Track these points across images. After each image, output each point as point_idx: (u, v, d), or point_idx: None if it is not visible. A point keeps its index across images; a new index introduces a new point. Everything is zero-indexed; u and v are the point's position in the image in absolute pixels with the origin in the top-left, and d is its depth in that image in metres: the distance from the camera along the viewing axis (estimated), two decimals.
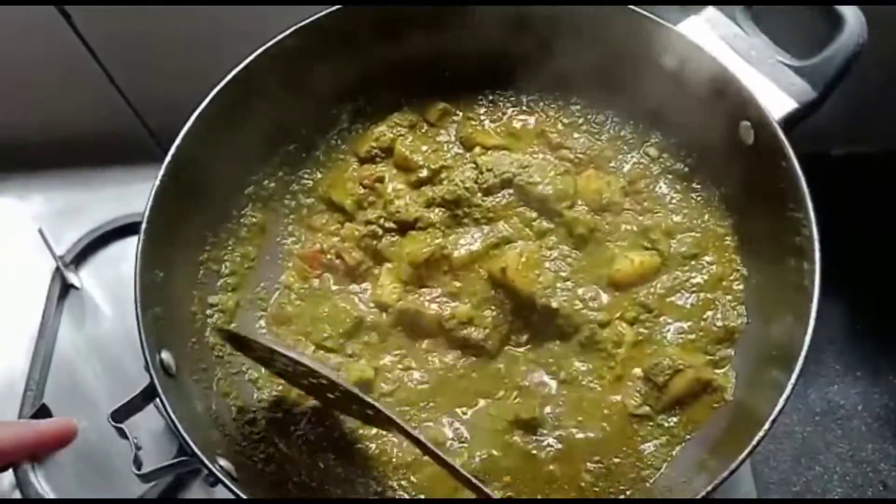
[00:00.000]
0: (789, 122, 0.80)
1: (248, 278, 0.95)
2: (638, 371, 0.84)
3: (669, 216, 0.92)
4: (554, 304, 0.85)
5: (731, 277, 0.88)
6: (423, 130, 0.99)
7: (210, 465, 0.70)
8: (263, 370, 0.88)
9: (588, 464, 0.81)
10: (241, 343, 0.81)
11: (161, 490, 0.94)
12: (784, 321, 0.78)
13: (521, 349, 0.87)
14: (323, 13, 0.89)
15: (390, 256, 0.92)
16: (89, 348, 1.07)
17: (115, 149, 1.17)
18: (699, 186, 0.93)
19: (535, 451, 0.82)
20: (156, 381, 0.73)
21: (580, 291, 0.88)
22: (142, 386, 0.75)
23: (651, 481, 0.80)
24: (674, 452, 0.81)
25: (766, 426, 0.67)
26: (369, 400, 0.73)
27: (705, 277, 0.88)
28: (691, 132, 0.92)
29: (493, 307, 0.87)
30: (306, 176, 0.99)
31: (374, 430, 0.85)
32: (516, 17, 0.94)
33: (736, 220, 0.90)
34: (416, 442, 0.71)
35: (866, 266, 1.19)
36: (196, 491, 0.96)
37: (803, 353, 0.69)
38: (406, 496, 0.82)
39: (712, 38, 0.84)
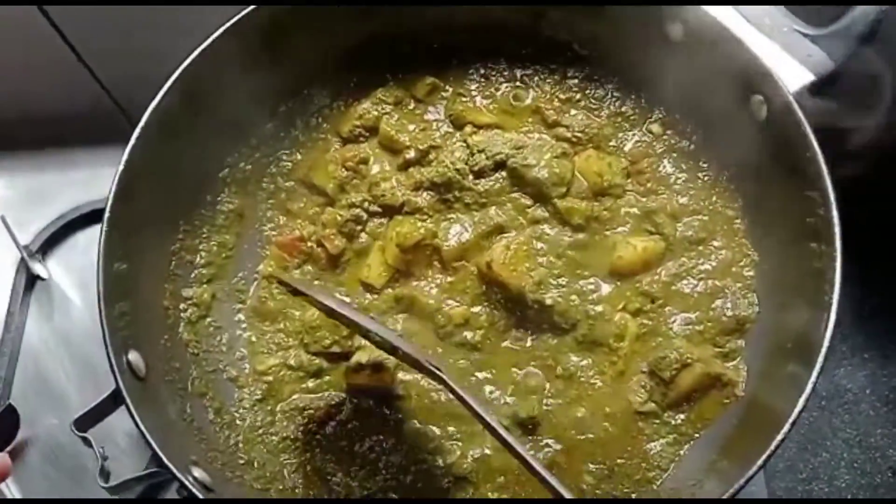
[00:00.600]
0: (805, 96, 0.75)
1: (226, 269, 0.90)
2: (643, 366, 0.80)
3: (675, 198, 0.87)
4: (548, 301, 0.81)
5: (741, 263, 0.83)
6: (410, 107, 0.94)
7: (182, 478, 0.65)
8: (246, 367, 0.85)
9: (590, 465, 0.78)
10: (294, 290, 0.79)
11: (138, 494, 0.89)
12: (799, 310, 0.73)
13: (518, 345, 0.83)
14: None
15: (377, 238, 0.88)
16: (58, 343, 1.02)
17: (84, 128, 1.11)
18: (706, 165, 0.88)
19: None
20: (122, 386, 0.69)
21: (578, 284, 0.84)
22: (111, 385, 0.71)
23: (658, 483, 0.77)
24: (681, 452, 0.78)
25: (786, 428, 0.63)
26: (429, 366, 0.69)
27: (713, 263, 0.84)
28: (698, 107, 0.86)
29: (486, 304, 0.83)
30: (285, 157, 0.93)
31: (362, 427, 0.82)
32: None
33: (746, 202, 0.85)
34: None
35: (875, 246, 1.15)
36: (173, 494, 0.91)
37: (825, 347, 0.66)
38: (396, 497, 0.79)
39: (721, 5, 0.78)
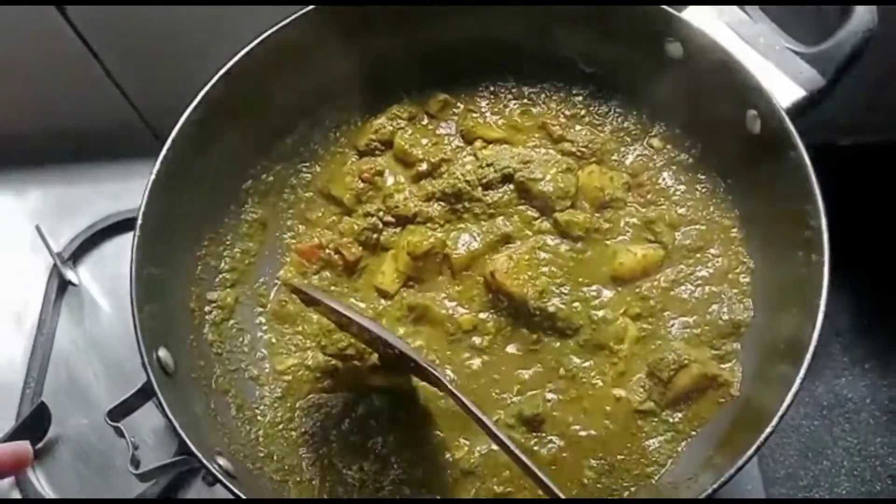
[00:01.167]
0: (797, 111, 0.78)
1: (248, 274, 0.93)
2: (642, 366, 0.83)
3: (674, 208, 0.90)
4: (551, 309, 0.84)
5: (738, 270, 0.86)
6: (424, 123, 0.98)
7: (208, 464, 0.69)
8: (267, 367, 0.88)
9: (591, 460, 0.80)
10: (308, 298, 0.82)
11: (161, 488, 0.94)
12: (791, 314, 0.76)
13: (523, 348, 0.86)
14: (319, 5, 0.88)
15: (391, 246, 0.91)
16: (88, 345, 1.06)
17: (113, 143, 1.15)
18: (704, 177, 0.91)
19: (536, 447, 0.81)
20: (152, 380, 0.72)
21: (580, 291, 0.86)
22: (137, 385, 0.74)
23: (656, 478, 0.79)
24: (679, 449, 0.80)
25: (774, 422, 0.66)
26: (430, 368, 0.73)
27: (710, 270, 0.87)
28: (696, 122, 0.90)
29: (493, 311, 0.86)
30: (305, 170, 0.97)
31: (376, 425, 0.84)
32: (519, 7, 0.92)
33: (742, 212, 0.88)
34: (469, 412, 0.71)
35: (874, 258, 1.17)
36: (196, 489, 0.95)
37: (812, 348, 0.68)
38: (409, 491, 0.81)
39: (718, 24, 0.82)
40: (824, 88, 0.79)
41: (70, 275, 1.09)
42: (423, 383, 0.83)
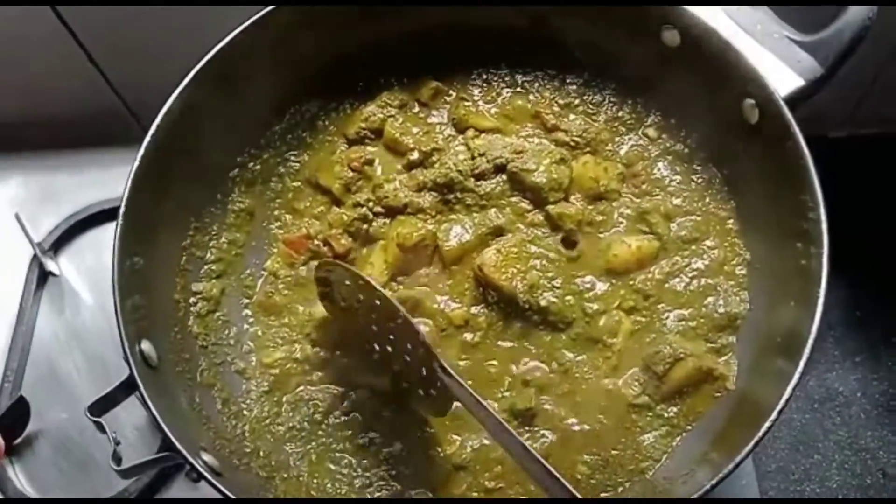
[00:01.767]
0: (795, 100, 0.77)
1: (235, 265, 0.91)
2: (636, 360, 0.82)
3: (669, 199, 0.89)
4: (542, 303, 0.83)
5: (734, 262, 0.85)
6: (415, 111, 0.96)
7: (192, 461, 0.67)
8: (253, 360, 0.86)
9: (585, 455, 0.79)
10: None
11: (144, 484, 0.92)
12: (788, 308, 0.75)
13: (515, 342, 0.84)
14: None
15: (381, 237, 0.90)
16: (69, 337, 1.04)
17: (96, 130, 1.13)
18: (700, 168, 0.90)
19: (529, 442, 0.79)
20: (135, 373, 0.70)
21: (572, 284, 0.85)
22: (122, 377, 0.72)
23: (650, 473, 0.78)
24: (674, 444, 0.79)
25: (773, 417, 0.65)
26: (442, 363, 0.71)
27: (706, 262, 0.85)
28: (692, 111, 0.88)
29: (484, 305, 0.85)
30: (292, 158, 0.95)
31: (364, 419, 0.83)
32: None
33: (738, 203, 0.87)
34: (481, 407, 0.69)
35: (866, 251, 1.17)
36: (180, 485, 0.93)
37: (810, 342, 0.67)
38: (399, 486, 0.80)
39: (715, 11, 0.81)
40: (823, 77, 0.78)
41: (51, 265, 1.07)
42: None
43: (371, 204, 0.90)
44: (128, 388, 0.73)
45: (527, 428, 0.81)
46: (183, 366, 0.82)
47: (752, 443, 0.65)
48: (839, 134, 1.27)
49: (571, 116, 0.93)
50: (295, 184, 0.94)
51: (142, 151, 0.79)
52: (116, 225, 0.77)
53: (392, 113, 0.94)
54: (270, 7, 0.84)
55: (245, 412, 0.84)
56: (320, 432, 0.83)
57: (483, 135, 0.93)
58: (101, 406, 0.73)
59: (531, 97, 0.96)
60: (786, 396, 0.65)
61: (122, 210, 0.77)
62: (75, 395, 1.00)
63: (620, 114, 0.93)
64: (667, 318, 0.84)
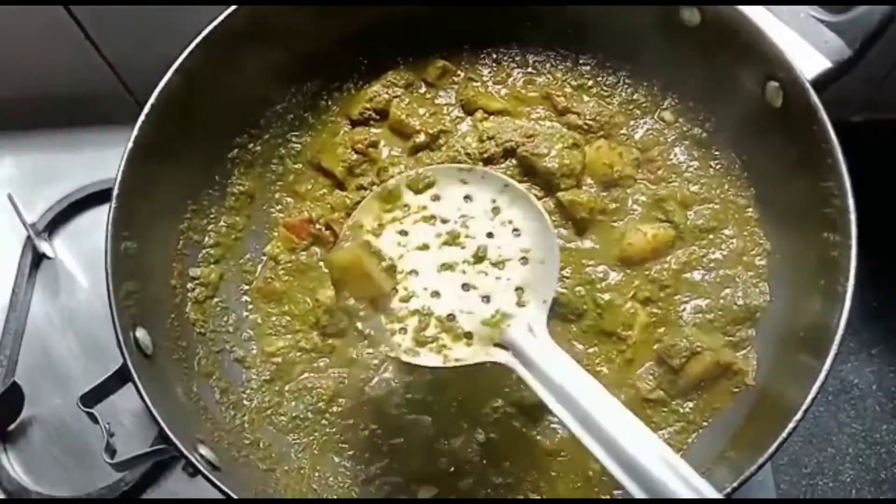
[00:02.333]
0: (822, 83, 0.74)
1: (234, 249, 0.89)
2: (651, 354, 0.79)
3: (686, 186, 0.85)
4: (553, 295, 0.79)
5: (753, 252, 0.82)
6: (421, 91, 0.93)
7: (188, 455, 0.65)
8: (254, 348, 0.84)
9: None
10: None
11: (140, 474, 0.89)
12: (812, 300, 0.72)
13: None
14: None
15: None
16: (64, 322, 1.02)
17: (92, 108, 1.11)
18: (719, 154, 0.86)
19: (539, 438, 0.78)
20: (129, 363, 0.68)
21: (583, 273, 0.82)
22: (117, 365, 0.70)
23: None
24: (689, 440, 0.77)
25: (798, 416, 0.62)
26: None
27: (724, 252, 0.82)
28: (711, 94, 0.85)
29: None
30: (294, 139, 0.92)
31: (370, 409, 0.80)
32: None
33: (759, 191, 0.84)
34: None
35: (883, 239, 1.14)
36: (177, 476, 0.91)
37: (838, 338, 0.64)
38: (401, 480, 0.78)
39: None
40: (851, 60, 0.75)
41: (45, 247, 1.04)
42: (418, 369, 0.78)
43: (375, 188, 0.87)
44: (122, 377, 0.70)
45: (536, 424, 0.78)
46: (180, 354, 0.80)
47: (777, 443, 0.62)
48: (858, 118, 1.24)
49: (584, 98, 0.90)
50: (296, 166, 0.92)
51: (136, 130, 0.77)
52: (109, 208, 0.74)
53: (398, 93, 0.91)
54: None
55: (245, 402, 0.82)
56: (324, 421, 0.81)
57: (492, 117, 0.90)
58: (95, 396, 0.71)
59: (542, 78, 0.92)
60: (811, 395, 0.62)
61: (115, 192, 0.75)
62: (70, 380, 0.98)
63: (636, 96, 0.90)
64: (683, 309, 0.81)
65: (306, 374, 0.83)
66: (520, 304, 0.68)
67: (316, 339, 0.83)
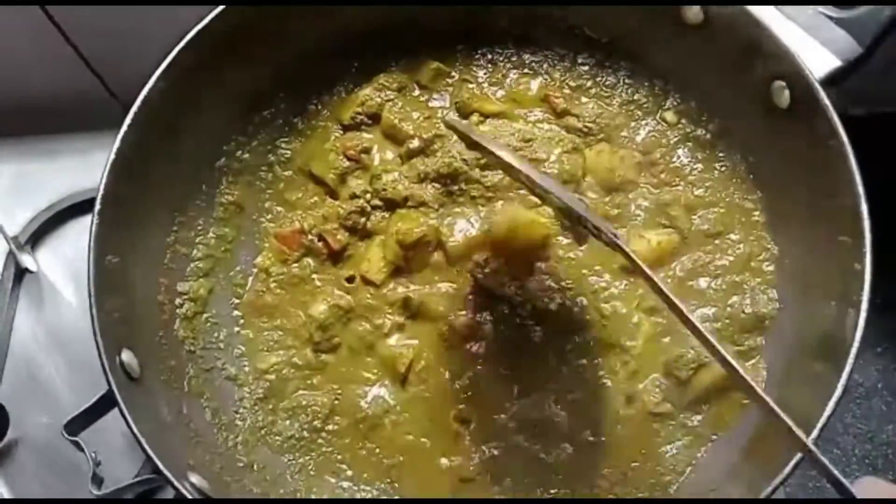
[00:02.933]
0: (831, 82, 0.72)
1: (224, 262, 0.86)
2: (657, 365, 0.77)
3: (690, 189, 0.83)
4: (552, 307, 0.77)
5: (761, 258, 0.80)
6: (415, 94, 0.90)
7: (178, 485, 0.62)
8: (246, 365, 0.82)
9: (604, 469, 0.75)
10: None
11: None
12: (824, 307, 0.70)
13: (525, 346, 0.79)
14: None
15: (380, 231, 0.84)
16: (49, 339, 0.99)
17: (75, 114, 1.06)
18: (723, 155, 0.84)
19: (542, 455, 0.76)
20: (115, 389, 0.65)
21: (585, 283, 0.80)
22: (104, 382, 0.67)
23: (674, 487, 0.74)
24: (698, 455, 0.75)
25: (816, 432, 0.60)
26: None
27: (731, 258, 0.80)
28: (715, 94, 0.82)
29: (490, 311, 0.80)
30: (284, 145, 0.89)
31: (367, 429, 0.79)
32: None
33: (766, 194, 0.81)
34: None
35: (887, 234, 1.12)
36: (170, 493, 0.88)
37: (855, 346, 0.62)
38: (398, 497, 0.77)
39: None
40: (861, 57, 0.73)
41: (27, 261, 1.01)
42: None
43: (368, 196, 0.85)
44: (108, 401, 0.67)
45: (540, 439, 0.76)
46: (168, 374, 0.77)
47: (794, 460, 0.60)
48: (858, 112, 1.21)
49: (583, 100, 0.88)
50: (286, 173, 0.89)
51: (118, 141, 0.74)
52: (91, 221, 0.71)
53: (390, 97, 0.88)
54: None
55: (238, 422, 0.80)
56: (320, 440, 0.79)
57: (489, 120, 0.87)
58: (80, 422, 0.69)
59: (540, 79, 0.89)
60: (830, 408, 0.60)
61: (97, 206, 0.72)
62: (57, 399, 0.95)
63: (637, 97, 0.87)
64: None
65: (300, 392, 0.81)
66: None
67: (309, 356, 0.81)
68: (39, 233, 1.04)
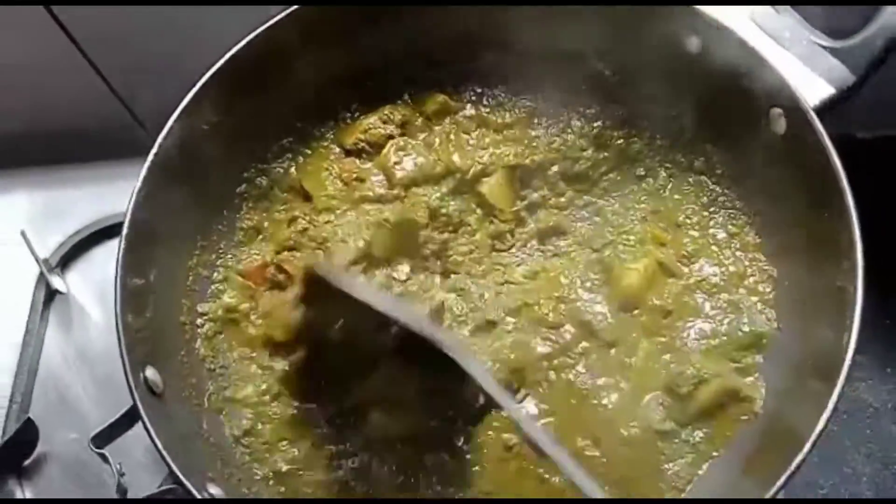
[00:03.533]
0: (825, 110, 0.74)
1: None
2: (659, 383, 0.79)
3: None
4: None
5: (756, 279, 0.82)
6: (417, 124, 0.92)
7: (199, 495, 0.65)
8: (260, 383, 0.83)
9: (606, 486, 0.75)
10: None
11: None
12: (820, 327, 0.72)
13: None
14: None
15: None
16: (77, 357, 1.02)
17: (103, 143, 1.10)
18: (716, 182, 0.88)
19: (547, 475, 0.77)
20: (139, 405, 0.68)
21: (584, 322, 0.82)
22: (129, 399, 0.70)
23: None
24: (701, 471, 0.76)
25: (807, 447, 0.62)
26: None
27: (726, 278, 0.83)
28: (713, 120, 0.85)
29: None
30: (294, 172, 0.92)
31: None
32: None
33: (762, 218, 0.84)
34: None
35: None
36: None
37: (846, 367, 0.64)
38: None
39: (740, 17, 0.77)
40: (854, 86, 0.75)
41: (57, 283, 1.05)
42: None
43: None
44: (133, 416, 0.71)
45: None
46: (189, 391, 0.80)
47: (786, 475, 0.62)
48: (865, 135, 1.23)
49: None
50: (284, 195, 0.92)
51: (145, 170, 0.77)
52: (119, 245, 0.75)
53: (393, 132, 0.90)
54: (279, 17, 0.82)
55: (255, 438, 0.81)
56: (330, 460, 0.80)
57: None
58: (106, 436, 0.72)
59: None
60: (821, 426, 0.62)
61: (124, 231, 0.75)
62: (84, 415, 0.97)
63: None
64: (688, 335, 0.81)
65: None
66: None
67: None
68: (69, 256, 1.07)
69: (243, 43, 0.81)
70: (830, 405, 0.63)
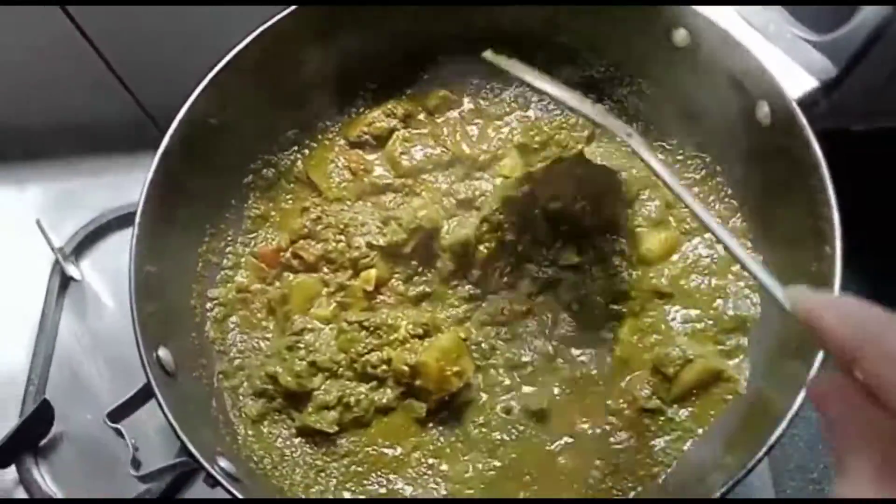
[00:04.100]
0: (808, 102, 0.76)
1: None
2: (646, 362, 0.81)
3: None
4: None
5: None
6: (420, 118, 0.95)
7: (208, 467, 0.68)
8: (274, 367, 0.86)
9: (596, 460, 0.79)
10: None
11: (165, 486, 0.93)
12: None
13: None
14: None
15: None
16: (91, 341, 1.05)
17: (116, 135, 1.14)
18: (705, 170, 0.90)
19: (548, 446, 0.80)
20: (153, 382, 0.72)
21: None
22: (141, 382, 0.74)
23: (662, 478, 0.78)
24: (685, 448, 0.78)
25: (785, 423, 0.64)
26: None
27: (715, 262, 0.85)
28: (701, 112, 0.86)
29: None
30: (300, 163, 0.96)
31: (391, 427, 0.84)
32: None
33: (749, 205, 0.86)
34: None
35: (887, 245, 1.15)
36: (199, 487, 0.94)
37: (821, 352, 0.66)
38: (410, 488, 0.81)
39: (725, 11, 0.79)
40: (837, 78, 0.77)
41: (72, 270, 1.08)
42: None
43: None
44: (146, 394, 0.74)
45: (543, 428, 0.81)
46: (200, 371, 0.83)
47: (764, 448, 0.64)
48: (859, 127, 1.24)
49: None
50: (291, 185, 0.95)
51: (156, 161, 0.80)
52: (132, 233, 0.78)
53: (396, 126, 0.94)
54: (291, 8, 0.84)
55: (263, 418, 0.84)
56: (334, 440, 0.83)
57: None
58: (121, 412, 0.75)
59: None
60: (797, 404, 0.65)
61: (137, 219, 0.78)
62: (98, 397, 1.01)
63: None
64: (674, 318, 0.83)
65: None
66: None
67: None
68: (83, 244, 1.11)
69: (249, 39, 0.83)
70: (804, 388, 0.65)
